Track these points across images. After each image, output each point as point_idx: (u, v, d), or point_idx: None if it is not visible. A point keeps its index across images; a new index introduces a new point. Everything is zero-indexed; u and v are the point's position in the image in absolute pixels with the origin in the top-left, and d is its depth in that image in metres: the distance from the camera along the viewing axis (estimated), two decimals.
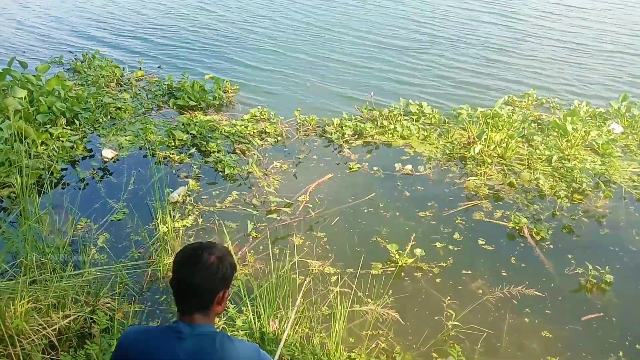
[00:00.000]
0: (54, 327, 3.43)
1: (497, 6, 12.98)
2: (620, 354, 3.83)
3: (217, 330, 1.86)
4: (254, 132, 6.55)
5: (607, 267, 4.49)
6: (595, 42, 10.82)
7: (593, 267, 4.45)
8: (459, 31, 11.12)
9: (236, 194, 5.37)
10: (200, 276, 1.79)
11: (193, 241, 4.62)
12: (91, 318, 3.66)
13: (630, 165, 6.23)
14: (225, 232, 4.41)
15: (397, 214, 5.27)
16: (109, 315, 3.73)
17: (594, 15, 12.68)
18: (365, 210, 5.28)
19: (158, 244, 4.45)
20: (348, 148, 6.42)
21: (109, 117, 6.75)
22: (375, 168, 6.02)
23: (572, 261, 4.72)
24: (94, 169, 5.67)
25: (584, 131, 6.50)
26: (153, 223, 4.77)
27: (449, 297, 4.17)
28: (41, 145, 5.73)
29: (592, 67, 9.58)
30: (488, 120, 6.44)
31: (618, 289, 4.43)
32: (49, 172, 5.35)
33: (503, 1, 13.39)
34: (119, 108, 6.91)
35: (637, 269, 4.71)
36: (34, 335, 3.30)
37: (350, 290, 4.09)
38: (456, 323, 3.89)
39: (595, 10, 13.05)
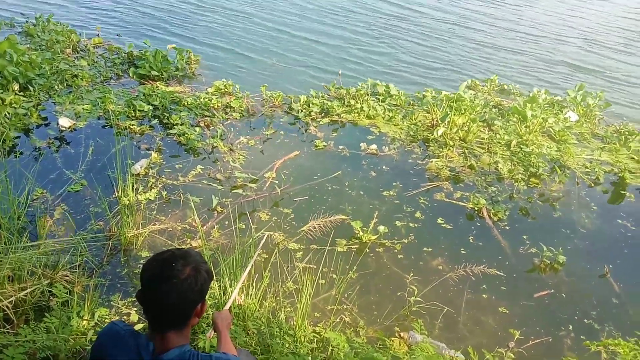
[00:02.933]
0: (9, 300, 3.30)
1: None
2: (571, 327, 4.06)
3: (190, 349, 1.71)
4: (218, 106, 6.42)
5: (560, 248, 4.70)
6: (558, 31, 11.13)
7: (547, 248, 4.66)
8: (429, 16, 11.18)
9: (200, 168, 5.27)
10: (176, 293, 1.62)
11: (156, 214, 4.55)
12: (49, 291, 3.54)
13: (583, 152, 6.51)
14: (192, 206, 4.34)
15: (362, 192, 5.32)
16: (68, 289, 3.62)
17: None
18: (331, 188, 5.31)
19: (119, 216, 4.33)
20: (315, 126, 6.40)
21: (65, 84, 6.44)
22: (341, 147, 6.03)
23: (527, 241, 4.92)
24: (50, 138, 5.42)
25: (542, 118, 6.72)
26: (114, 195, 4.63)
27: (411, 274, 4.28)
28: None
29: (551, 55, 9.87)
30: (451, 104, 6.56)
31: (568, 269, 4.66)
32: (1, 139, 5.09)
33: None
34: (75, 75, 6.61)
35: (586, 250, 4.96)
36: None
37: (315, 267, 4.12)
38: (418, 299, 4.00)
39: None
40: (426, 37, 9.96)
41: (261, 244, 3.02)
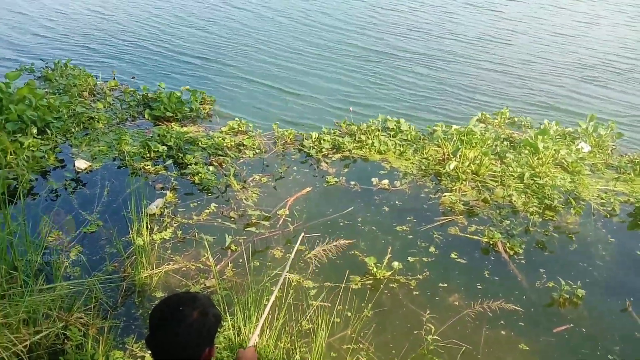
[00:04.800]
0: (25, 344, 3.31)
1: (471, 26, 13.34)
2: None
3: None
4: (231, 145, 6.51)
5: (578, 281, 4.61)
6: (565, 61, 11.20)
7: (565, 282, 4.57)
8: (437, 47, 11.34)
9: (214, 207, 5.31)
10: (183, 337, 1.62)
11: (171, 253, 4.57)
12: (64, 334, 3.55)
13: (597, 183, 6.45)
14: (206, 244, 4.36)
15: (375, 228, 5.30)
16: (83, 331, 3.62)
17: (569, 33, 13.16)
18: (343, 224, 5.30)
19: (133, 257, 4.35)
20: (326, 162, 6.45)
21: (81, 127, 6.61)
22: (352, 182, 6.06)
23: (544, 275, 4.84)
24: (67, 180, 5.53)
25: (554, 149, 6.70)
26: (128, 236, 4.67)
27: (427, 312, 4.21)
28: (10, 155, 5.55)
29: (561, 86, 9.90)
30: (462, 138, 6.58)
31: (588, 303, 4.56)
32: (19, 182, 5.19)
33: (477, 20, 13.77)
34: (92, 118, 6.78)
35: (605, 283, 4.86)
36: (4, 353, 3.18)
37: (330, 304, 4.08)
38: (435, 337, 3.93)
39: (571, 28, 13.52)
40: (436, 70, 10.08)
41: (279, 285, 3.01)
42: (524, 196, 6.01)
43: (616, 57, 11.56)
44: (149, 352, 1.61)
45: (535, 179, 6.31)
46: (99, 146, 6.20)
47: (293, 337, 3.75)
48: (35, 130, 6.07)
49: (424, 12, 13.83)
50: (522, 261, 5.02)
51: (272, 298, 2.84)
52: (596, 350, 4.08)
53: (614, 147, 7.42)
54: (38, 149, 5.83)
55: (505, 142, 7.20)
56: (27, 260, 3.99)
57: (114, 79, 8.17)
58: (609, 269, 5.04)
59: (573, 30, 13.51)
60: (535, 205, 5.84)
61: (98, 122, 6.72)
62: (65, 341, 3.53)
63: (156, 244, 4.64)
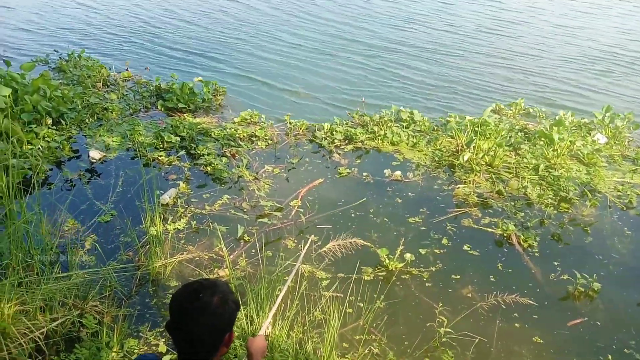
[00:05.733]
0: (41, 331, 3.35)
1: (487, 17, 13.18)
2: (610, 357, 3.90)
3: None
4: (243, 136, 6.51)
5: (594, 274, 4.56)
6: (582, 53, 11.04)
7: (581, 275, 4.52)
8: (451, 39, 11.23)
9: (227, 198, 5.32)
10: (204, 324, 1.65)
11: (184, 243, 4.59)
12: (79, 321, 3.59)
13: (614, 175, 6.36)
14: (219, 235, 4.37)
15: (387, 219, 5.28)
16: (98, 319, 3.66)
17: (585, 25, 12.95)
18: (355, 215, 5.29)
19: (147, 246, 4.38)
20: (338, 153, 6.43)
21: (95, 117, 6.64)
22: (364, 173, 6.03)
23: (559, 268, 4.79)
24: (81, 170, 5.57)
25: (570, 141, 6.61)
26: (142, 225, 4.70)
27: (440, 304, 4.19)
28: (26, 145, 5.61)
29: (577, 77, 9.75)
30: (476, 129, 6.51)
31: (604, 296, 4.50)
32: (35, 172, 5.24)
33: (493, 11, 13.61)
34: (105, 109, 6.81)
35: (621, 276, 4.80)
36: (21, 339, 3.22)
37: (342, 295, 4.08)
38: (448, 329, 3.91)
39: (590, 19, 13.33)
40: (449, 62, 9.98)
41: (292, 276, 3.01)
42: (538, 188, 5.94)
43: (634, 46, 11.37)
44: (170, 337, 1.61)
45: (550, 170, 6.23)
46: (112, 137, 6.23)
47: (305, 327, 3.76)
48: (50, 121, 6.12)
49: (435, 9, 13.70)
50: (537, 254, 4.97)
51: (285, 288, 2.84)
52: (612, 344, 4.04)
53: (631, 138, 7.31)
54: (53, 140, 5.88)
55: (519, 133, 7.12)
56: (43, 248, 4.03)
57: (127, 70, 8.20)
58: (625, 262, 4.97)
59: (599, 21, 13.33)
60: (550, 198, 5.78)
61: (112, 112, 6.75)
62: (81, 329, 3.57)
63: (170, 234, 4.67)
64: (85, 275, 3.96)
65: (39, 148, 5.65)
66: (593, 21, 13.41)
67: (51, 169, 5.55)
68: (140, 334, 3.68)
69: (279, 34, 10.80)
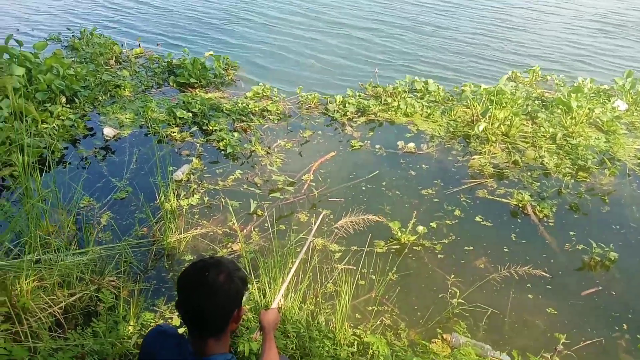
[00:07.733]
0: (60, 305, 3.44)
1: None
2: (625, 327, 3.86)
3: (232, 357, 1.74)
4: (255, 110, 6.49)
5: (610, 244, 4.49)
6: (599, 19, 10.66)
7: (597, 244, 4.45)
8: (464, 7, 10.94)
9: (239, 173, 5.34)
10: (211, 301, 1.66)
11: (198, 218, 4.64)
12: (97, 296, 3.67)
13: (635, 143, 6.20)
14: (232, 210, 4.40)
15: (400, 192, 5.25)
16: (114, 294, 3.74)
17: None
18: (367, 188, 5.26)
19: (162, 222, 4.44)
20: (351, 126, 6.37)
21: (108, 95, 6.68)
22: (377, 146, 5.98)
23: (574, 238, 4.73)
24: (96, 148, 5.63)
25: (588, 108, 6.44)
26: (156, 201, 4.76)
27: (452, 275, 4.18)
28: (41, 124, 5.68)
29: (595, 43, 9.45)
30: (492, 98, 6.38)
31: (620, 266, 4.44)
32: (50, 151, 5.32)
33: None
34: (118, 86, 6.84)
35: (638, 245, 4.72)
36: (41, 314, 3.31)
37: (354, 268, 4.10)
38: (460, 300, 3.91)
39: None
40: (464, 30, 9.73)
41: (304, 249, 3.02)
42: (556, 157, 5.83)
43: None
44: (179, 314, 1.64)
45: (568, 139, 6.10)
46: (126, 114, 6.27)
47: (317, 299, 3.79)
48: (64, 100, 6.17)
49: None
50: (552, 224, 4.91)
51: (297, 261, 2.85)
52: (627, 313, 3.99)
53: None
54: (67, 118, 5.93)
55: (536, 102, 6.97)
56: (60, 225, 4.11)
57: (139, 46, 8.18)
58: None
59: None
60: (568, 167, 5.67)
61: (124, 90, 6.78)
62: (98, 303, 3.65)
63: (184, 210, 4.72)
64: (102, 252, 4.03)
65: (53, 127, 5.71)
66: None
67: (66, 148, 5.62)
68: (155, 307, 3.76)
69: (292, 7, 10.63)
